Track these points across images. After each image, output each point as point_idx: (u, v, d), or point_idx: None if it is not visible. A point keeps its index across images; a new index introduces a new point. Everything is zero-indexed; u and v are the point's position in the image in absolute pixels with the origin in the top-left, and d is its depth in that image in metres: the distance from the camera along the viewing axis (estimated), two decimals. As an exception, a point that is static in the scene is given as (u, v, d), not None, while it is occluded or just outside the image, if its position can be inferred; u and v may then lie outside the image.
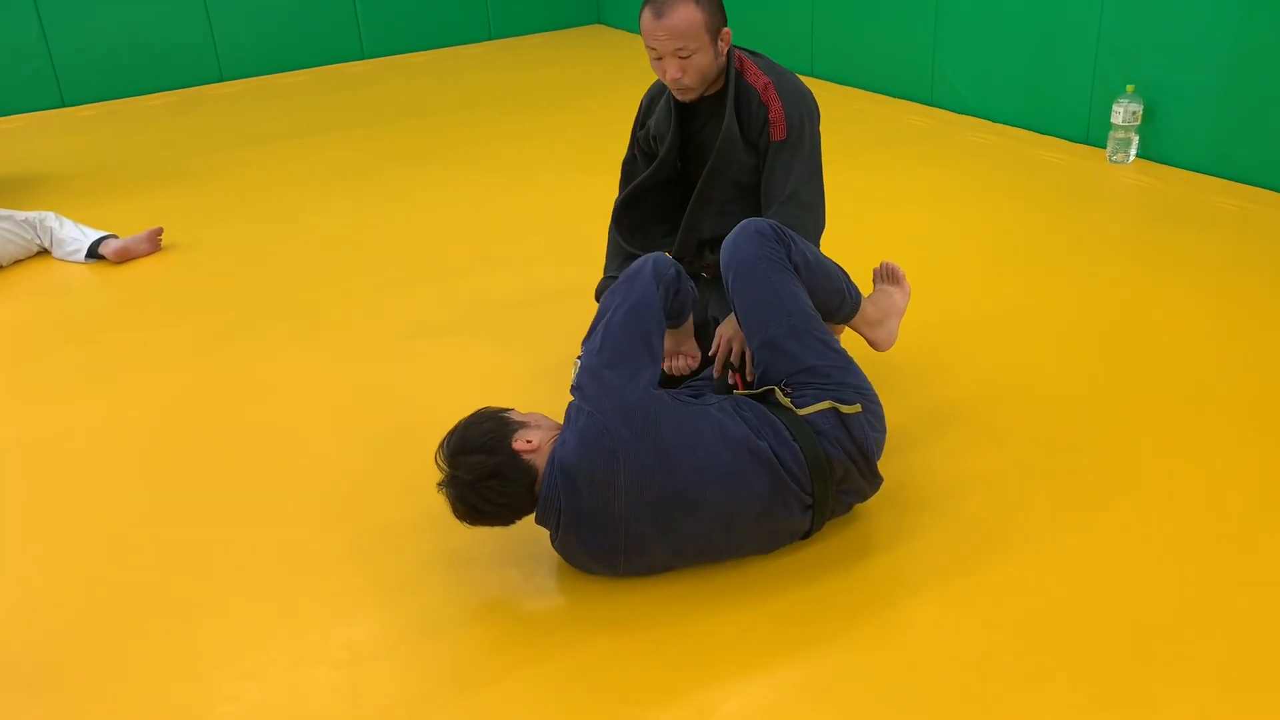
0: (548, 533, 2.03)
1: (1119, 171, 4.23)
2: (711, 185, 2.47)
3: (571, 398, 2.04)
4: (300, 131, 5.35)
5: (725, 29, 2.35)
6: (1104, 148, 4.38)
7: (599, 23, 7.63)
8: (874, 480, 2.12)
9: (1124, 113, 4.19)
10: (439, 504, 2.29)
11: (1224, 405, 2.58)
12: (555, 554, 2.09)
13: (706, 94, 2.42)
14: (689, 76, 2.33)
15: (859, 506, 2.20)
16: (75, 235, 3.78)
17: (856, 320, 2.41)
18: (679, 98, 2.41)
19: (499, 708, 1.80)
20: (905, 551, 2.12)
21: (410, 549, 2.20)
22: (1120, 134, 4.24)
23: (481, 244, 3.79)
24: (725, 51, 2.38)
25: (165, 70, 6.30)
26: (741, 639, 1.92)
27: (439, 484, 1.97)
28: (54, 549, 2.27)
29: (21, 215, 3.84)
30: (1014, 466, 2.38)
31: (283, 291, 3.49)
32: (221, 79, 6.46)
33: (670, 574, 2.05)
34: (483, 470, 1.93)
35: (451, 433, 1.99)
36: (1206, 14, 3.99)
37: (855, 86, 5.54)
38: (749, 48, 2.53)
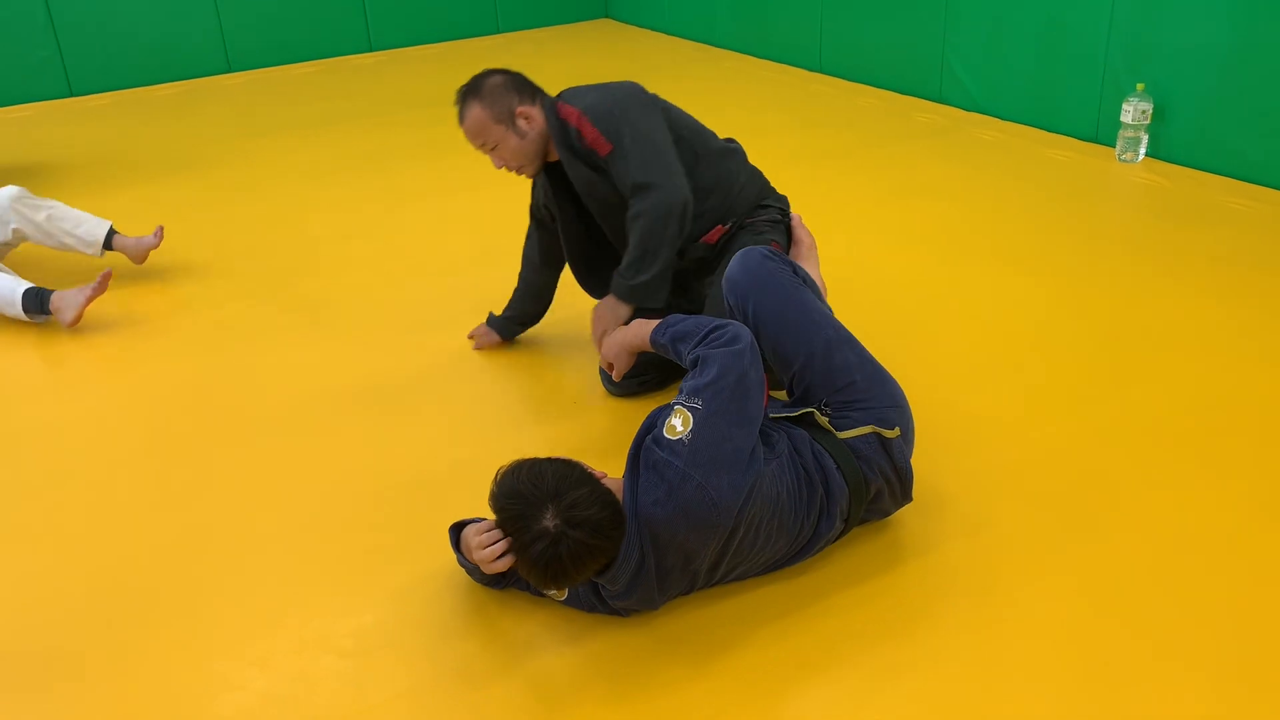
0: None
1: (1128, 170, 4.22)
2: (610, 226, 2.59)
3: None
4: (307, 123, 5.35)
5: (523, 108, 2.47)
6: (1113, 146, 4.37)
7: (606, 17, 7.63)
8: (904, 501, 2.12)
9: (1134, 111, 4.18)
10: (445, 496, 2.30)
11: (1232, 404, 2.57)
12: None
13: (551, 159, 2.56)
14: (509, 163, 2.53)
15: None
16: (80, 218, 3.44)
17: None
18: (520, 175, 2.58)
19: (505, 700, 1.80)
20: (933, 559, 2.12)
21: (417, 540, 2.20)
22: (1130, 133, 4.23)
23: (487, 236, 3.79)
24: (537, 126, 2.48)
25: (173, 61, 6.31)
26: (764, 646, 1.92)
27: (533, 543, 1.72)
28: (63, 538, 2.28)
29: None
30: (1020, 467, 2.38)
31: (289, 282, 3.49)
32: (229, 70, 6.47)
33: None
34: (595, 501, 1.74)
35: (516, 491, 1.76)
36: (1217, 13, 3.97)
37: (863, 83, 5.52)
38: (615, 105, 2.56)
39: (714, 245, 2.60)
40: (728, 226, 2.59)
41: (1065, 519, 2.19)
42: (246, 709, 1.80)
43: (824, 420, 2.03)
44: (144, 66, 6.23)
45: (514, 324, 2.94)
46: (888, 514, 2.15)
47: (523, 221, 3.89)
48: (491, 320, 2.95)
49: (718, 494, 1.78)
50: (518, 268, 3.29)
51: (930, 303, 3.14)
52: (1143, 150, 4.27)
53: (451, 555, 2.09)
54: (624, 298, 2.49)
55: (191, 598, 2.07)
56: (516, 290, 2.92)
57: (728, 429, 1.83)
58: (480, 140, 2.51)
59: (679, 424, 1.83)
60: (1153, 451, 2.41)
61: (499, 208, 4.07)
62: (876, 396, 2.05)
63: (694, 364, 1.93)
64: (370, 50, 6.83)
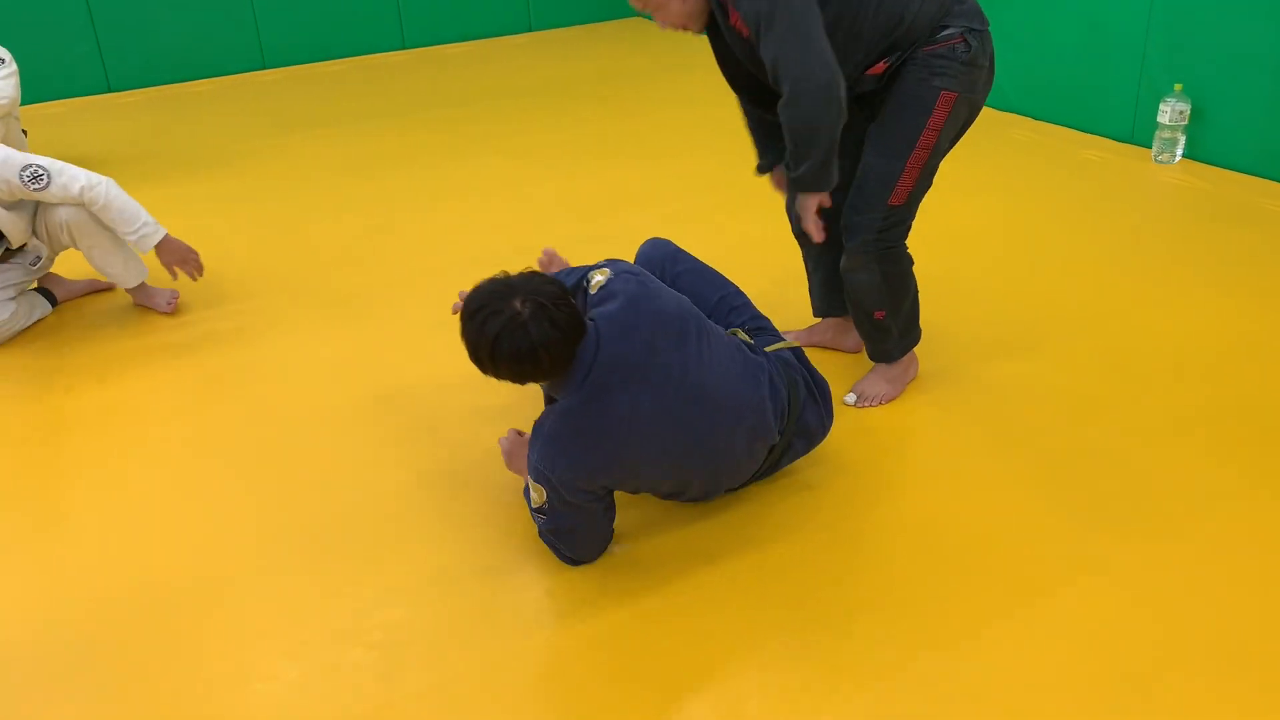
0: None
1: (1164, 171, 4.17)
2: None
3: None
4: (340, 119, 5.39)
5: None
6: (1149, 147, 4.32)
7: (639, 15, 7.62)
8: (827, 419, 2.29)
9: (1171, 112, 4.13)
10: (481, 491, 2.31)
11: (1265, 407, 2.54)
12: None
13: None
14: (672, 23, 2.37)
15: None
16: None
17: None
18: (679, 31, 2.43)
19: (534, 695, 1.81)
20: (967, 555, 2.12)
21: (447, 532, 2.21)
22: (1166, 133, 4.18)
23: (519, 233, 3.80)
24: None
25: (209, 57, 6.37)
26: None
27: (511, 318, 1.87)
28: (99, 528, 2.31)
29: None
30: (1051, 467, 2.36)
31: (321, 277, 3.52)
32: (264, 67, 6.52)
33: (698, 576, 2.07)
34: (563, 296, 1.94)
35: (478, 292, 1.95)
36: (1257, 13, 3.92)
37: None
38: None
39: (880, 76, 2.37)
40: (890, 61, 2.33)
41: (1096, 519, 2.17)
42: (277, 699, 1.82)
43: (746, 337, 2.23)
44: (181, 63, 6.30)
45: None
46: (814, 439, 2.28)
47: (557, 218, 3.93)
48: (762, 165, 2.71)
49: (654, 285, 2.11)
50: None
51: (962, 302, 3.12)
52: (1179, 151, 4.21)
53: (483, 548, 2.10)
54: (794, 189, 2.39)
55: (223, 589, 2.09)
56: (756, 138, 2.70)
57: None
58: (641, 3, 2.38)
59: (600, 277, 2.10)
60: (1186, 454, 2.38)
61: (532, 204, 4.09)
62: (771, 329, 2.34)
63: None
64: (403, 48, 6.87)
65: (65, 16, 5.95)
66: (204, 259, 3.76)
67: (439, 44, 6.97)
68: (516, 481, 2.32)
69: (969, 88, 2.34)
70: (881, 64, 2.33)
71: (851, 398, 2.63)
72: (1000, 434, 2.48)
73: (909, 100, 2.33)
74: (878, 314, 2.54)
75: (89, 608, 2.05)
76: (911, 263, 2.55)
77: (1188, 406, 2.57)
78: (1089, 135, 4.58)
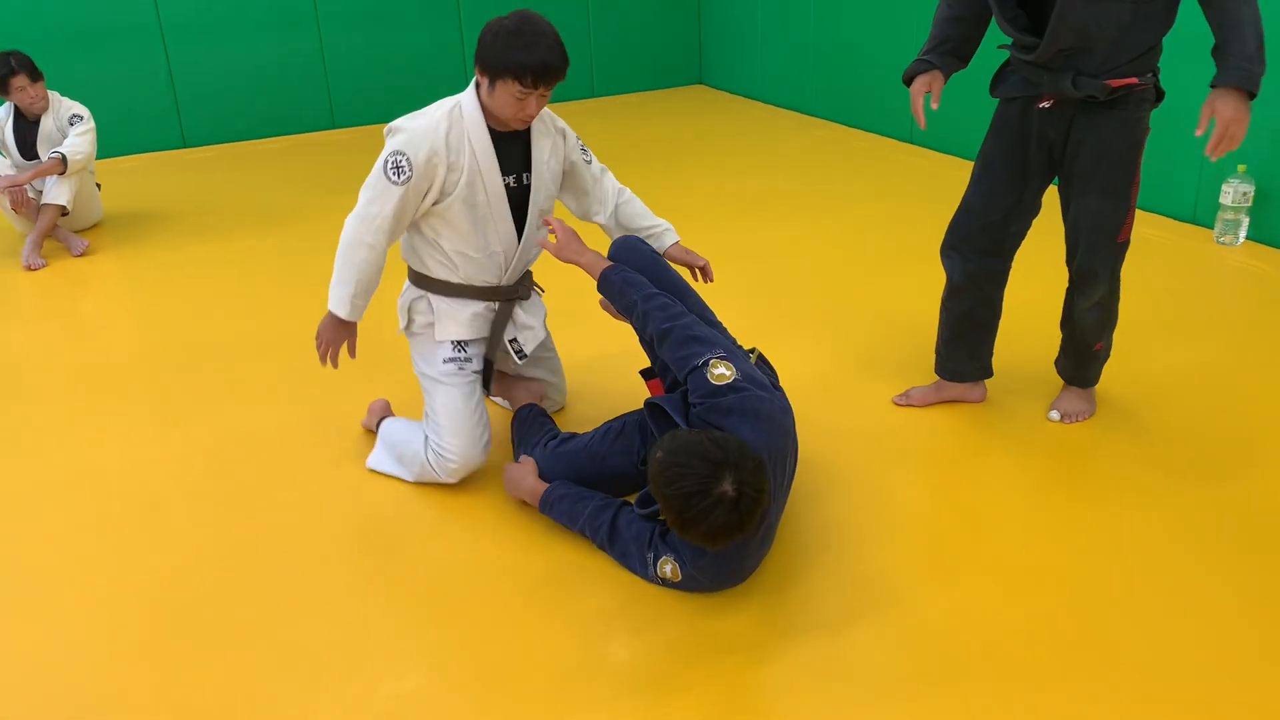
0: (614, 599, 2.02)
1: (1226, 253, 4.08)
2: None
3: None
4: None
5: None
6: (1211, 228, 4.23)
7: (700, 83, 7.72)
8: None
9: (1234, 193, 4.05)
10: (503, 559, 2.30)
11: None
12: (617, 623, 2.11)
13: None
14: None
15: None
16: None
17: None
18: None
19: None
20: (989, 626, 2.05)
21: (462, 600, 2.20)
22: (1229, 215, 4.10)
23: (571, 299, 3.82)
24: None
25: (282, 116, 6.59)
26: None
27: (721, 504, 1.91)
28: (114, 579, 2.33)
29: None
30: (1097, 556, 2.29)
31: (377, 334, 3.56)
32: (334, 126, 6.71)
33: (721, 661, 2.03)
34: (762, 466, 1.98)
35: (690, 462, 1.92)
36: (1325, 95, 3.85)
37: (955, 155, 5.47)
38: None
39: (1113, 91, 2.40)
40: (1127, 81, 2.38)
41: (1125, 612, 2.09)
42: (284, 765, 1.80)
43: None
44: (254, 120, 6.52)
45: (951, 58, 2.67)
46: None
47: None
48: (920, 63, 2.65)
49: (781, 400, 2.22)
50: (594, 331, 3.29)
51: (1021, 380, 3.06)
52: (1243, 233, 4.12)
53: (496, 623, 2.08)
54: (1252, 86, 2.28)
55: (232, 656, 2.09)
56: (937, 26, 2.65)
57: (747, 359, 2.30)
58: None
59: (725, 371, 2.15)
60: (1244, 549, 2.29)
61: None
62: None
63: (660, 334, 2.27)
64: (469, 110, 7.02)
65: (147, 75, 6.20)
66: (265, 312, 3.82)
67: (504, 107, 7.12)
68: (535, 549, 2.32)
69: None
70: (1125, 80, 2.39)
71: (1056, 415, 2.79)
72: (1049, 511, 2.42)
73: (1126, 140, 2.47)
74: (1098, 345, 2.75)
75: (96, 660, 2.07)
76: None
77: (1249, 487, 2.48)
78: (1150, 214, 4.50)
